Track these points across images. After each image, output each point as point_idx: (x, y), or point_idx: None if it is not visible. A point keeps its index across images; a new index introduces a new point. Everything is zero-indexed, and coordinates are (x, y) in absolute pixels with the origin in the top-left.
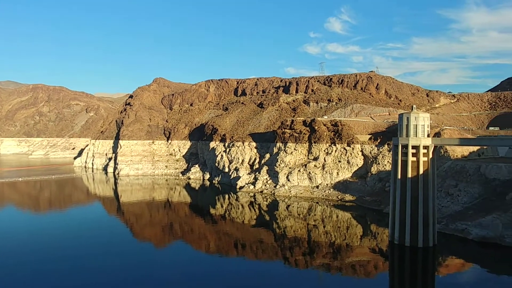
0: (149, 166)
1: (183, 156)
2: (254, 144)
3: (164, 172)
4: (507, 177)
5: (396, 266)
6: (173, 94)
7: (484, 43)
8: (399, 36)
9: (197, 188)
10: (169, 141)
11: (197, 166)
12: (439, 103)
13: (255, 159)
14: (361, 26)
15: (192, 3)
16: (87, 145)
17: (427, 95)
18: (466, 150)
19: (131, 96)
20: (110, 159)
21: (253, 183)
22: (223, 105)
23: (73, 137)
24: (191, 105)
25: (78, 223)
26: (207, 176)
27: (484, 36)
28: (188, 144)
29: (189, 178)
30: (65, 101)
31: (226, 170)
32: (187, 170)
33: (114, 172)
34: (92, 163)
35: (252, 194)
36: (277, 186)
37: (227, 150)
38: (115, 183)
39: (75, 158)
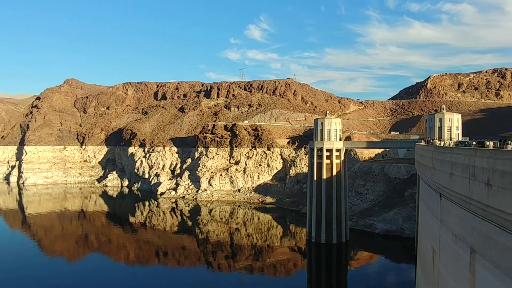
0: (60, 174)
1: (99, 162)
2: (175, 149)
3: (77, 180)
4: (406, 176)
5: (314, 263)
6: (87, 97)
7: (386, 56)
8: (314, 46)
9: (114, 195)
10: (83, 146)
11: (114, 172)
12: (349, 109)
13: (176, 164)
14: (279, 35)
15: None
16: None
17: (339, 102)
18: (372, 152)
19: (38, 98)
20: (13, 167)
21: (175, 189)
22: (143, 109)
23: None
24: (107, 108)
25: None
26: (126, 183)
27: (385, 50)
28: (104, 149)
29: (106, 186)
30: None
31: (146, 176)
32: (104, 177)
33: (18, 182)
34: None
35: (173, 200)
36: (199, 191)
37: (147, 155)
38: (20, 194)
39: None
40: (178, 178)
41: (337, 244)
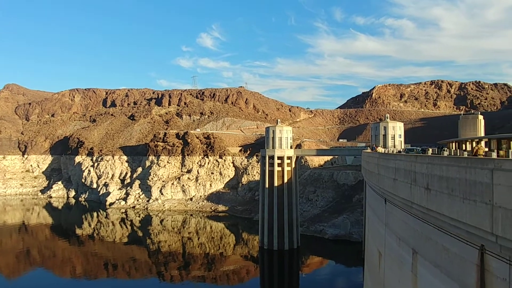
0: None
1: (43, 172)
2: (125, 157)
3: (19, 192)
4: (353, 182)
5: (266, 269)
6: (30, 103)
7: (334, 67)
8: (265, 56)
9: (60, 207)
10: (26, 155)
11: (60, 183)
12: (299, 117)
13: (126, 173)
14: (230, 44)
15: None
16: None
17: (290, 110)
18: (322, 159)
19: None
20: None
21: (125, 199)
22: (91, 116)
23: None
24: (52, 115)
25: None
26: (72, 193)
27: (333, 61)
28: (49, 159)
29: (51, 197)
30: None
31: (94, 186)
32: (48, 187)
33: None
34: None
35: (123, 210)
36: (150, 201)
37: (95, 164)
38: None
39: None
40: (128, 188)
41: (289, 250)
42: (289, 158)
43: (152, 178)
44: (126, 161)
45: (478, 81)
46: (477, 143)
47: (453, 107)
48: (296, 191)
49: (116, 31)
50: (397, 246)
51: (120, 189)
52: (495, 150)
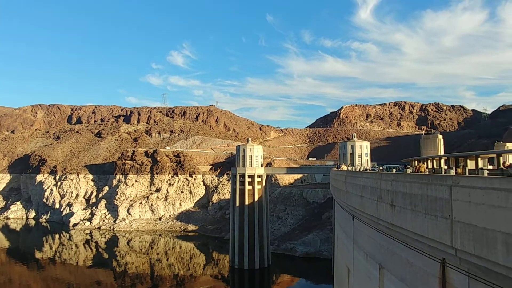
0: None
1: (0, 192)
2: (90, 176)
3: None
4: (323, 200)
5: None
6: None
7: (303, 87)
8: (236, 75)
9: (18, 229)
10: None
11: (18, 203)
12: (270, 136)
13: (92, 192)
14: (201, 62)
15: (16, 13)
16: None
17: (260, 129)
18: (292, 178)
19: None
20: None
21: (90, 219)
22: (54, 133)
23: None
24: (12, 132)
25: None
26: (33, 214)
27: (303, 81)
28: (7, 177)
29: (8, 218)
30: None
31: (57, 206)
32: (5, 208)
33: None
34: None
35: (88, 231)
36: (117, 221)
37: (59, 183)
38: None
39: None
40: (94, 208)
41: (260, 269)
42: (259, 176)
43: (119, 198)
44: (92, 180)
45: (437, 102)
46: (422, 162)
47: (415, 127)
48: (266, 210)
49: (84, 47)
50: (365, 261)
51: (84, 209)
52: (454, 168)
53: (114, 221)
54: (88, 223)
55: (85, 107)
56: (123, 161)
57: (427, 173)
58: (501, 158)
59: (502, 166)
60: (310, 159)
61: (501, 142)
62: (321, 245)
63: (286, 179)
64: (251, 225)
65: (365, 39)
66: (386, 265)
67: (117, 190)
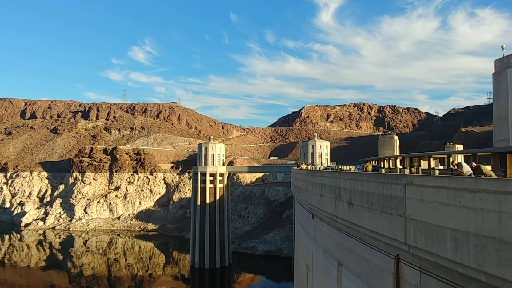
0: None
1: None
2: (45, 174)
3: None
4: (284, 198)
5: None
6: None
7: (265, 87)
8: (198, 73)
9: None
10: None
11: None
12: (232, 135)
13: (46, 191)
14: (164, 59)
15: None
16: None
17: (223, 127)
18: (253, 176)
19: None
20: None
21: (43, 219)
22: (6, 128)
23: None
24: None
25: None
26: None
27: (265, 81)
28: None
29: None
30: None
31: (7, 205)
32: None
33: None
34: None
35: (41, 232)
36: (73, 220)
37: (10, 181)
38: None
39: None
40: (48, 207)
41: (221, 268)
42: (221, 175)
43: (75, 196)
44: (47, 178)
45: (394, 105)
46: (369, 162)
47: (373, 128)
48: (228, 208)
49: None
50: (324, 259)
51: (38, 208)
52: (408, 167)
53: (70, 221)
54: (42, 223)
55: (40, 101)
56: (81, 158)
57: (371, 171)
58: (451, 159)
59: (451, 166)
60: (272, 158)
61: (451, 143)
62: (281, 243)
63: (248, 177)
64: (212, 224)
65: (326, 41)
66: (344, 262)
67: (73, 188)
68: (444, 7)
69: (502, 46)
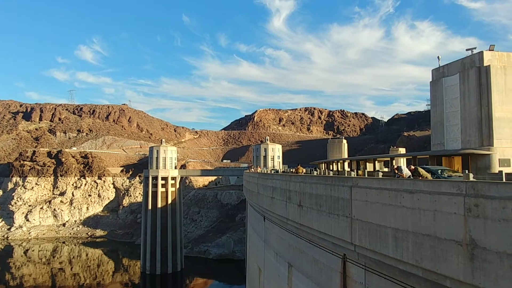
0: None
1: None
2: None
3: None
4: (236, 201)
5: None
6: None
7: (218, 90)
8: (150, 74)
9: None
10: None
11: None
12: (184, 138)
13: None
14: (113, 59)
15: None
16: None
17: (175, 130)
18: (206, 180)
19: None
20: None
21: None
22: None
23: None
24: None
25: None
26: None
27: (218, 84)
28: None
29: None
30: None
31: None
32: None
33: None
34: None
35: None
36: (13, 229)
37: None
38: None
39: None
40: None
41: (173, 273)
42: (173, 178)
43: (15, 203)
44: None
45: (342, 110)
46: (301, 165)
47: (323, 131)
48: (180, 212)
49: None
50: (275, 261)
51: None
52: (355, 170)
53: (9, 229)
54: None
55: None
56: (21, 162)
57: (304, 174)
58: (394, 161)
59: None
60: (224, 161)
61: (395, 147)
62: (234, 246)
63: (201, 181)
64: (164, 229)
65: (278, 46)
66: (294, 263)
67: (13, 194)
68: (388, 18)
69: (438, 57)
